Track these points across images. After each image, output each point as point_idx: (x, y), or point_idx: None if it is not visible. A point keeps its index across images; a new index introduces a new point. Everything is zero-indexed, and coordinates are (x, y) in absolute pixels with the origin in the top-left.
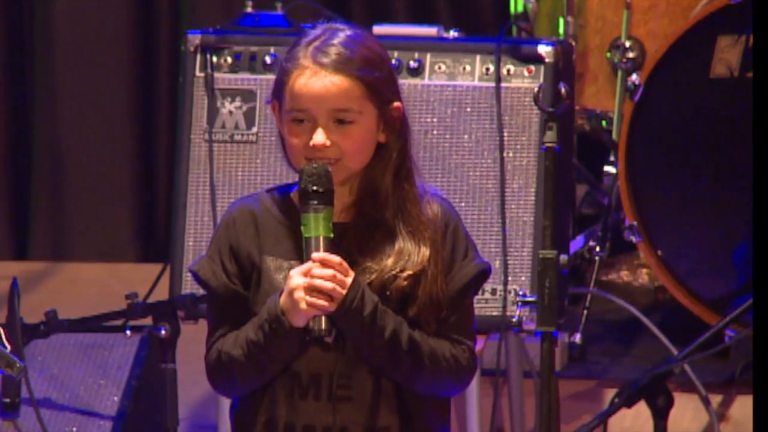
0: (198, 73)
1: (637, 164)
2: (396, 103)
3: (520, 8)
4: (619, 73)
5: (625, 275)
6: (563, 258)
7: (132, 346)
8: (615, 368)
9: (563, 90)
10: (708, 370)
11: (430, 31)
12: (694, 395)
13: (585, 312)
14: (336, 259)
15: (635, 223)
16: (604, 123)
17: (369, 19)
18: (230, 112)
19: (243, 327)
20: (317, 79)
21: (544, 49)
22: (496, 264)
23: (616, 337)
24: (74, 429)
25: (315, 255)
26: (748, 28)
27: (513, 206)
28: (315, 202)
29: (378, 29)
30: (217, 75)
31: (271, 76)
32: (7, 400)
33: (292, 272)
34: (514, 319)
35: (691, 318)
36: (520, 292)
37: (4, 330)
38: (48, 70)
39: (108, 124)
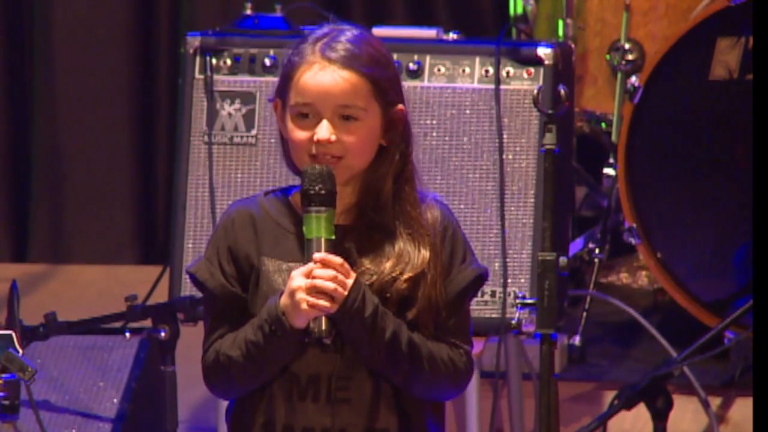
0: (197, 76)
1: (636, 166)
2: (399, 106)
3: (519, 10)
4: (619, 75)
5: (624, 277)
6: (563, 260)
7: (131, 348)
8: (614, 370)
9: (563, 92)
10: (707, 373)
11: (430, 33)
12: (694, 397)
13: (584, 314)
14: (337, 260)
15: (635, 225)
16: (603, 125)
17: (368, 21)
18: (229, 115)
19: (241, 328)
20: (325, 73)
21: (543, 51)
22: (496, 266)
23: (615, 339)
24: (73, 431)
25: (316, 255)
26: (748, 30)
27: (512, 208)
28: (317, 203)
29: (377, 31)
30: (216, 77)
31: (271, 78)
32: (7, 402)
33: (294, 273)
34: (513, 321)
35: (691, 320)
36: (520, 294)
37: (16, 333)
38: (48, 72)
39: (107, 126)
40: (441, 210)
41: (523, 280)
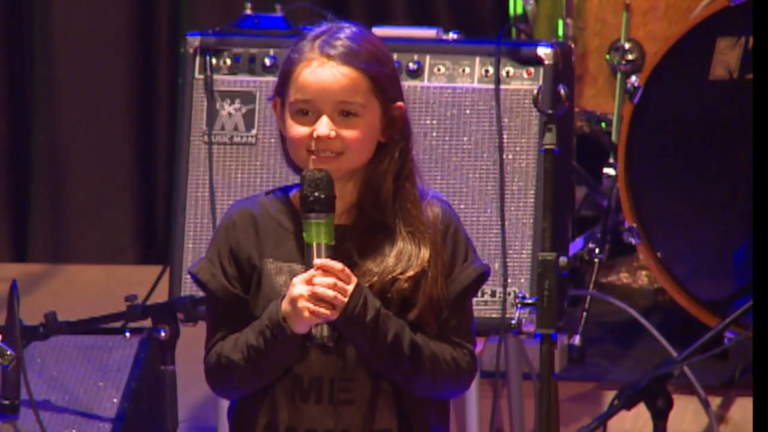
0: (197, 75)
1: (636, 166)
2: (399, 103)
3: (519, 10)
4: (619, 75)
5: (624, 277)
6: (562, 260)
7: (131, 348)
8: (614, 370)
9: (562, 92)
10: (707, 372)
11: (430, 32)
12: (694, 397)
13: (584, 314)
14: (338, 265)
15: (634, 225)
16: (603, 125)
17: (368, 21)
18: (229, 114)
19: (243, 330)
20: (325, 69)
21: (543, 51)
22: (496, 266)
23: (615, 339)
24: (73, 431)
25: (316, 261)
26: (748, 30)
27: (512, 208)
28: (316, 209)
29: (377, 31)
30: (216, 77)
31: (271, 78)
32: (7, 401)
33: (295, 280)
34: (513, 321)
35: (691, 320)
36: (520, 294)
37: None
38: (47, 72)
39: (107, 126)
40: (442, 207)
41: (523, 280)
